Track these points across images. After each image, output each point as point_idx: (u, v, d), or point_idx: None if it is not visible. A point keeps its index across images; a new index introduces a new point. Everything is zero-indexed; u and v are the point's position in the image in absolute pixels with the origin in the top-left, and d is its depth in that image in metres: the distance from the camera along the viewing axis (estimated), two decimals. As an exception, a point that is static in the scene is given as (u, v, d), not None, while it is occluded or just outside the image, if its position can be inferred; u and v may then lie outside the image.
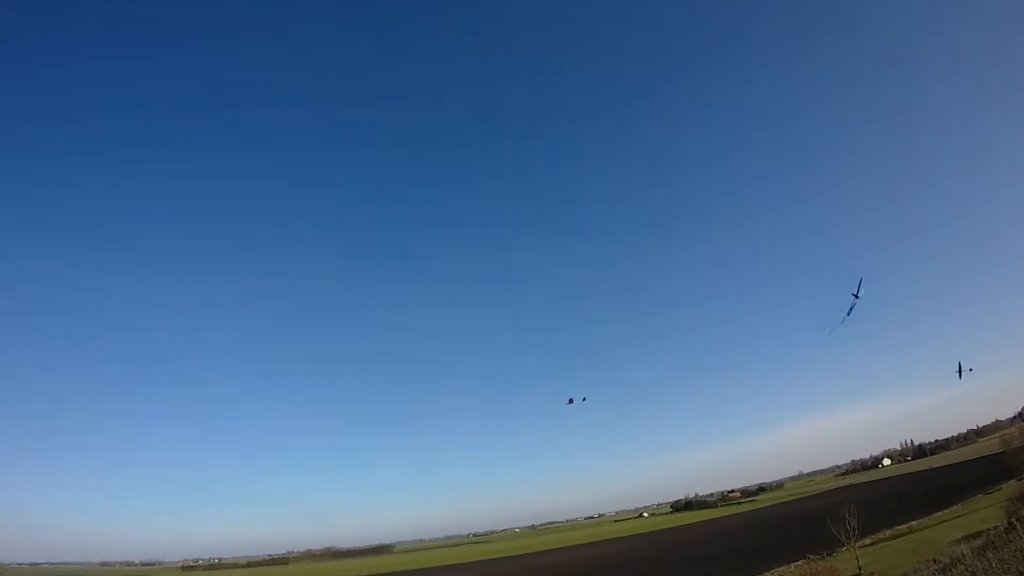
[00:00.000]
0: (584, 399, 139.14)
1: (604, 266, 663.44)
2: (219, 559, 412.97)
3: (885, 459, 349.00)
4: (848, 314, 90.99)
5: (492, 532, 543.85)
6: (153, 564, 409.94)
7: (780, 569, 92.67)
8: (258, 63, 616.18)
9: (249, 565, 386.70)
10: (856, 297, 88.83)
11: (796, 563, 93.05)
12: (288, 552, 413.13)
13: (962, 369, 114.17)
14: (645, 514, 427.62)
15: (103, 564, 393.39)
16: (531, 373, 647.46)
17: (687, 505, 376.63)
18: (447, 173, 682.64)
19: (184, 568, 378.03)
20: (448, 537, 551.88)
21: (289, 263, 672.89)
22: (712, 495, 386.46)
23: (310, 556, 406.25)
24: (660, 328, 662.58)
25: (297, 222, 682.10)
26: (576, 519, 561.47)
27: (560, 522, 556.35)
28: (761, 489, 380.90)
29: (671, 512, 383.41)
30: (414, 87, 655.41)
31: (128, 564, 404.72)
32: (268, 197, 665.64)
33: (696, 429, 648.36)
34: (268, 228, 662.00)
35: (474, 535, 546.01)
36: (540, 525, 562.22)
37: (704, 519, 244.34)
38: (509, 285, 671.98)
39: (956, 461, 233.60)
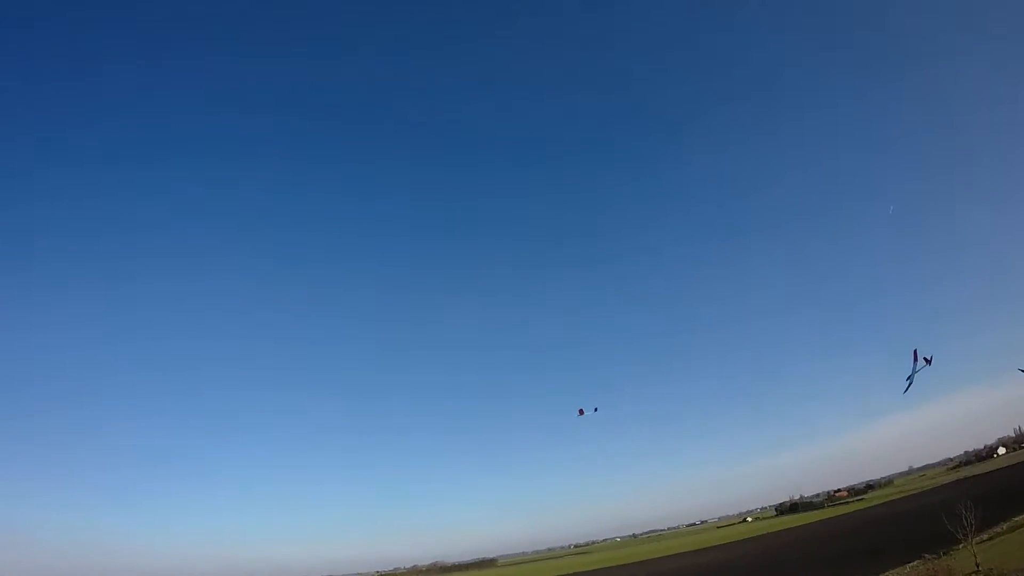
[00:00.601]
0: (596, 410, 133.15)
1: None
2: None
3: (1000, 448, 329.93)
4: (911, 381, 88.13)
5: (593, 542, 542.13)
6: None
7: (895, 571, 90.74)
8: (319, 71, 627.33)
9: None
10: (927, 362, 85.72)
11: (911, 564, 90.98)
12: (396, 568, 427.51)
13: None
14: (749, 519, 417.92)
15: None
16: (625, 379, 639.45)
17: (792, 507, 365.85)
18: (505, 186, 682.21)
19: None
20: (549, 549, 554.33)
21: (408, 272, 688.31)
22: (818, 495, 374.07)
23: (417, 571, 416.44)
24: (751, 319, 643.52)
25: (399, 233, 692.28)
26: (678, 526, 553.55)
27: (662, 530, 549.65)
28: (869, 487, 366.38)
29: (776, 515, 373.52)
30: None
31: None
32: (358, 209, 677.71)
33: (797, 426, 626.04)
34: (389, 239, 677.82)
35: (575, 546, 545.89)
36: (642, 534, 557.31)
37: (811, 521, 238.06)
38: (598, 292, 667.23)
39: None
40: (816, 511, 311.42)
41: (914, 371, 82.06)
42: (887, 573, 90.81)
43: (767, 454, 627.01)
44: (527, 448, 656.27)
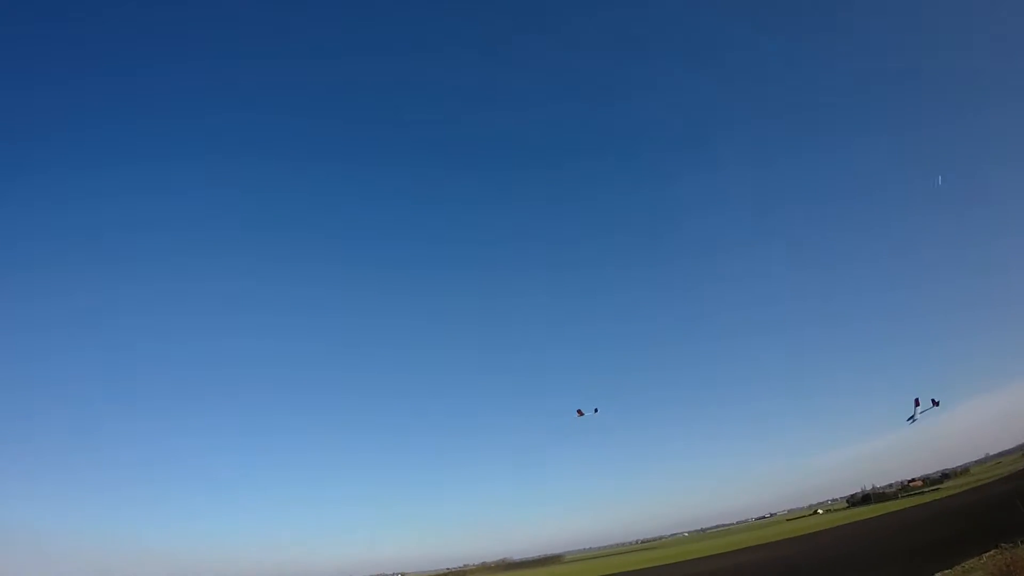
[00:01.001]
0: (596, 411, 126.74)
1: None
2: (403, 574, 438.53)
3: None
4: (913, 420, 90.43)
5: (660, 537, 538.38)
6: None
7: (970, 563, 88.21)
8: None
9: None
10: (934, 404, 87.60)
11: (987, 554, 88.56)
12: (465, 565, 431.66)
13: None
14: (820, 511, 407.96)
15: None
16: (689, 374, 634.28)
17: (864, 499, 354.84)
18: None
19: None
20: (616, 544, 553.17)
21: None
22: (891, 486, 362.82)
23: (485, 568, 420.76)
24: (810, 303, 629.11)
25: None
26: (747, 520, 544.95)
27: (730, 524, 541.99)
28: (945, 475, 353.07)
29: (847, 507, 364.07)
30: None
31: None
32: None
33: (867, 414, 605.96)
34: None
35: (641, 541, 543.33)
36: (709, 528, 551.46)
37: (884, 512, 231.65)
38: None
39: None
40: (889, 502, 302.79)
41: (915, 414, 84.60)
42: (963, 564, 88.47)
43: (837, 444, 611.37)
44: (594, 445, 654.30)
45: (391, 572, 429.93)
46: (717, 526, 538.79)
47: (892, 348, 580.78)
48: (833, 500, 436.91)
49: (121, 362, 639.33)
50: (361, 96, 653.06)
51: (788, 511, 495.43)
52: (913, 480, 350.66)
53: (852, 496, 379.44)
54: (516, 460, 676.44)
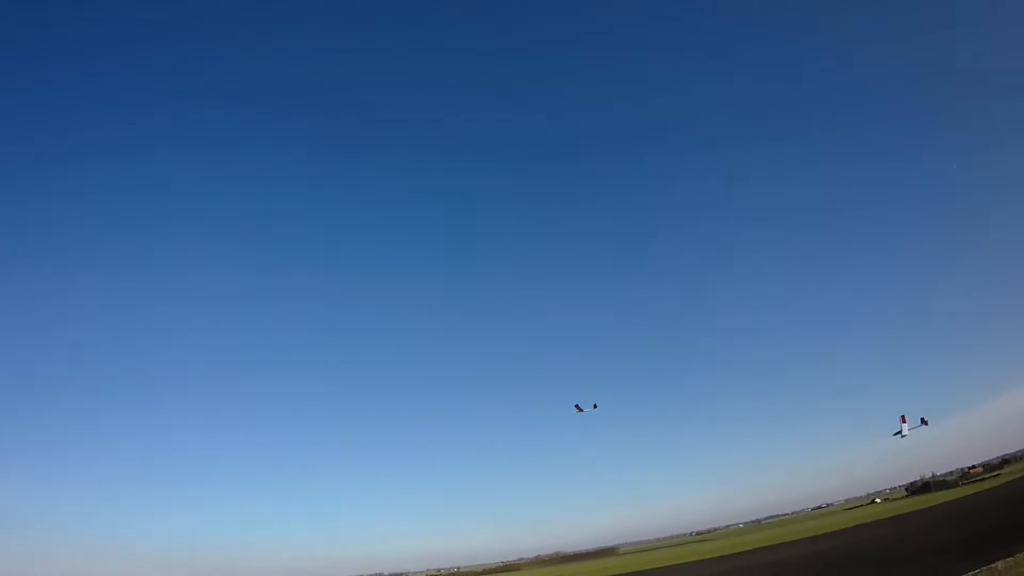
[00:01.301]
0: (595, 406, 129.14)
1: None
2: (458, 567, 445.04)
3: None
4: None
5: (715, 529, 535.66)
6: (400, 574, 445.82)
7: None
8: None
9: (485, 572, 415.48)
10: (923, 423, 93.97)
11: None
12: (519, 558, 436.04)
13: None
14: (878, 500, 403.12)
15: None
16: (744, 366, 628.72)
17: (924, 487, 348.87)
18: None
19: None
20: (670, 536, 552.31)
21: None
22: (951, 473, 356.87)
23: (540, 561, 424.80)
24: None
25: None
26: (803, 510, 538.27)
27: (786, 514, 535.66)
28: (1005, 461, 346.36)
29: (906, 496, 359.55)
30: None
31: (378, 575, 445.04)
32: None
33: (926, 400, 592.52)
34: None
35: (696, 533, 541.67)
36: (764, 519, 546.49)
37: (944, 501, 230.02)
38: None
39: None
40: (949, 490, 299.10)
41: (903, 430, 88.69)
42: (1020, 555, 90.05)
43: (892, 430, 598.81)
44: (647, 437, 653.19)
45: (448, 567, 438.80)
46: (772, 516, 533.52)
47: (945, 328, 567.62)
48: (892, 488, 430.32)
49: (121, 362, 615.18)
50: (361, 96, 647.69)
51: (846, 500, 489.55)
52: (974, 467, 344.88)
53: (911, 484, 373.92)
54: (568, 453, 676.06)
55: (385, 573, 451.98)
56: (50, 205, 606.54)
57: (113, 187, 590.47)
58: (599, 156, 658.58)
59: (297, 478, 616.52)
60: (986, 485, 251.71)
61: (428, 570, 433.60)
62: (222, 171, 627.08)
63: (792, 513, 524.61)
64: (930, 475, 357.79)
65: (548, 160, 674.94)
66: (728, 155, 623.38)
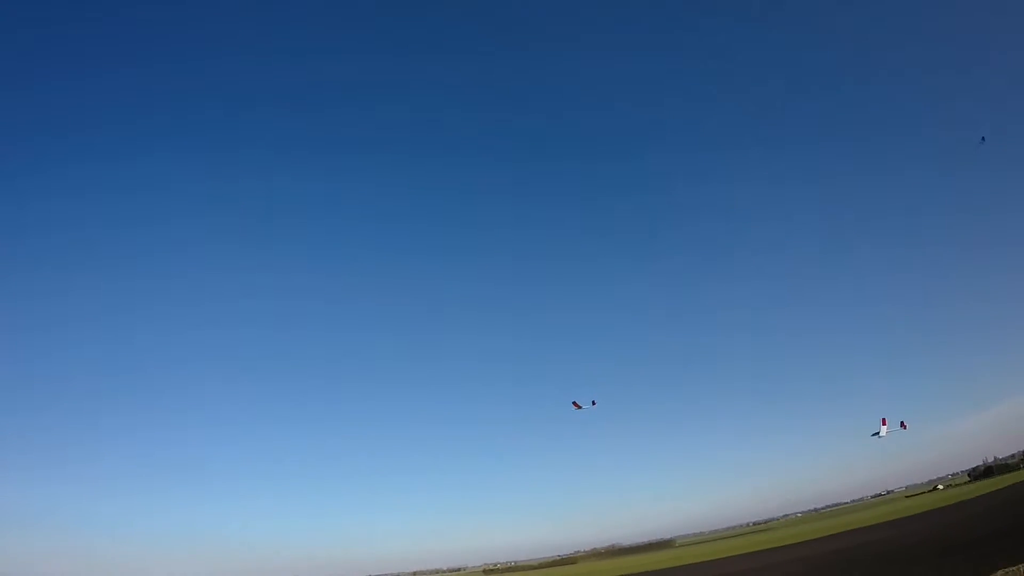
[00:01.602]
0: (593, 403, 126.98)
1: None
2: (515, 561, 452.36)
3: None
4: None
5: (772, 519, 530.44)
6: (459, 569, 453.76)
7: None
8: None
9: (542, 566, 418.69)
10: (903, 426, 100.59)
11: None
12: (576, 552, 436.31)
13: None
14: (940, 486, 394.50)
15: (415, 573, 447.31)
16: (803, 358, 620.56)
17: (987, 471, 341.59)
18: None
19: (486, 571, 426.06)
20: (727, 528, 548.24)
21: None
22: (1013, 456, 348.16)
23: (596, 554, 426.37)
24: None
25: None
26: (863, 498, 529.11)
27: (845, 503, 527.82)
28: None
29: (969, 481, 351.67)
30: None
31: (437, 571, 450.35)
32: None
33: (983, 383, 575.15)
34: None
35: (754, 523, 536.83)
36: (823, 508, 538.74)
37: (1006, 485, 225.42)
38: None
39: None
40: (1013, 473, 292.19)
41: (880, 432, 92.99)
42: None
43: (954, 415, 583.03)
44: (706, 430, 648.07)
45: (505, 561, 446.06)
46: (830, 506, 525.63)
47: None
48: (954, 474, 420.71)
49: (121, 361, 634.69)
50: (362, 95, 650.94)
51: (907, 487, 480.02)
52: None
53: (974, 469, 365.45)
54: (622, 446, 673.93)
55: (444, 568, 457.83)
56: (50, 205, 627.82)
57: (113, 187, 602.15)
58: (599, 156, 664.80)
59: (296, 476, 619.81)
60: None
61: (486, 564, 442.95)
62: (222, 170, 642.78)
63: (851, 502, 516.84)
64: (992, 459, 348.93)
65: (548, 159, 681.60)
66: (728, 155, 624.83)
